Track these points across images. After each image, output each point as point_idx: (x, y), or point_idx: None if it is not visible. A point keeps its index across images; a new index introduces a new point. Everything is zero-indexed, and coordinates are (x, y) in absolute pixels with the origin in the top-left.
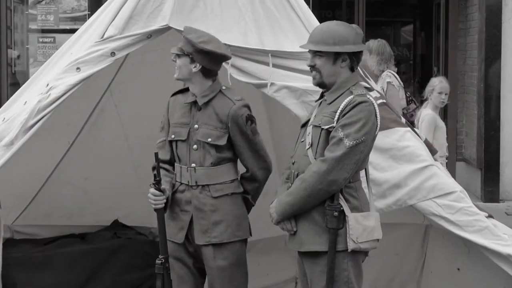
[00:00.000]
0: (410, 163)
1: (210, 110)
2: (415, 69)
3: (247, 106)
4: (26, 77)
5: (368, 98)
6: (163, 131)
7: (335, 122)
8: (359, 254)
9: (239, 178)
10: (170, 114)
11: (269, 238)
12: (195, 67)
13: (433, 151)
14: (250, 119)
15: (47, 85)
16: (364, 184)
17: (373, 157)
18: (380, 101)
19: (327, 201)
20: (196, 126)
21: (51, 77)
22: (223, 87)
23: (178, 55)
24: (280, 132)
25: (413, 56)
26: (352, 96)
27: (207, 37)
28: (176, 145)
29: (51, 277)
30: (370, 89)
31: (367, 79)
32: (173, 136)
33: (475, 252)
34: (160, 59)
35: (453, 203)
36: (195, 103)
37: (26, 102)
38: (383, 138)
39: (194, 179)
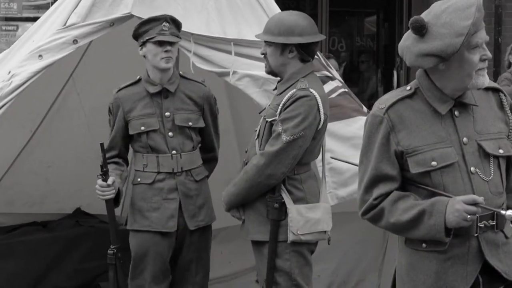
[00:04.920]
0: None
1: (181, 96)
2: (379, 60)
3: None
4: None
5: (311, 92)
6: (113, 129)
7: (277, 116)
8: (303, 244)
9: None
10: (126, 109)
11: (231, 227)
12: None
13: None
14: (215, 99)
15: (9, 72)
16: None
17: (335, 146)
18: (341, 90)
19: (269, 193)
20: (167, 113)
21: (13, 65)
22: (180, 72)
23: (174, 43)
24: (241, 121)
25: (377, 46)
26: (294, 90)
27: None
28: (147, 136)
29: (13, 265)
30: (331, 78)
31: (328, 67)
32: (142, 128)
33: None
34: (123, 47)
35: None
36: (159, 92)
37: None
38: (344, 127)
39: (179, 165)
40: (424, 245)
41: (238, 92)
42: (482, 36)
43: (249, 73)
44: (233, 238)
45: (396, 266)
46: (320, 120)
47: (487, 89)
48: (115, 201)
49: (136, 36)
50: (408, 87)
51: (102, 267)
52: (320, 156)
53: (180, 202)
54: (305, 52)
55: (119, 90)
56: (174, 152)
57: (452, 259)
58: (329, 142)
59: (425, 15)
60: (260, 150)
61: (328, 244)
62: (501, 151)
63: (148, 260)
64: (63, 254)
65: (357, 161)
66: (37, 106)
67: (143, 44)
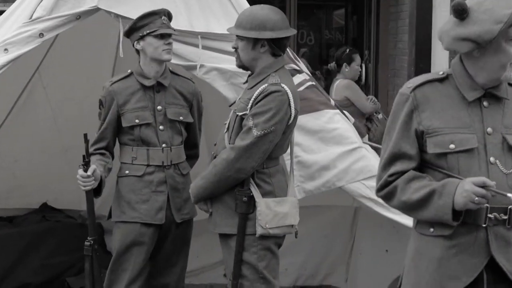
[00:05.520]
0: (339, 145)
1: (173, 91)
2: None
3: None
4: None
5: (282, 87)
6: (105, 121)
7: (248, 110)
8: (271, 238)
9: None
10: (121, 102)
11: (199, 221)
12: None
13: (361, 134)
14: (201, 96)
15: None
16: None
17: (302, 139)
18: (308, 83)
19: (238, 186)
20: (159, 107)
21: None
22: (170, 67)
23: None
24: (209, 114)
25: (345, 39)
26: (266, 85)
27: None
28: (140, 129)
29: None
30: (299, 71)
31: (296, 61)
32: (137, 120)
33: (403, 233)
34: (90, 41)
35: None
36: (152, 86)
37: None
38: (312, 120)
39: (169, 158)
40: (431, 229)
41: (205, 86)
42: None
43: (217, 67)
44: (200, 232)
45: (406, 254)
46: (290, 115)
47: None
48: (96, 191)
49: (133, 30)
50: (441, 72)
51: (69, 262)
52: (288, 150)
53: (168, 195)
54: (277, 46)
55: (112, 83)
56: (164, 145)
57: (457, 247)
58: (296, 135)
59: (469, 0)
60: (229, 143)
61: (296, 237)
62: None
63: (133, 251)
64: (29, 249)
65: (325, 154)
66: (3, 100)
67: (141, 38)
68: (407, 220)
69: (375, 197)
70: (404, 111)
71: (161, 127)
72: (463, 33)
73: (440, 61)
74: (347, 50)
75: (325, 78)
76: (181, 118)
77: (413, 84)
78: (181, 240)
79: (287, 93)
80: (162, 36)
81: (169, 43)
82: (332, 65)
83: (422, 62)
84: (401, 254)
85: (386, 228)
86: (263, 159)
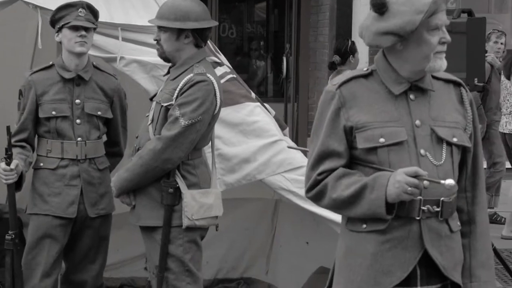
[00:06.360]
0: (259, 138)
1: (93, 85)
2: (268, 46)
3: None
4: None
5: (208, 77)
6: (24, 111)
7: (173, 100)
8: (196, 230)
9: None
10: (39, 92)
11: (119, 214)
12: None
13: (282, 126)
14: (125, 94)
15: None
16: (211, 160)
17: (222, 131)
18: (229, 76)
19: (164, 178)
20: (78, 101)
21: None
22: (93, 62)
23: (90, 29)
24: (129, 107)
25: (266, 33)
26: (191, 75)
27: None
28: (56, 121)
29: None
30: (220, 64)
31: (217, 53)
32: (53, 112)
33: (323, 226)
34: (8, 32)
35: (301, 177)
36: (72, 79)
37: None
38: (233, 113)
39: (84, 152)
40: (364, 225)
41: (124, 78)
42: (443, 18)
43: (137, 59)
44: (120, 225)
45: (336, 252)
46: (216, 105)
47: (449, 81)
48: (17, 185)
49: (53, 22)
50: (365, 68)
51: None
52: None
53: (82, 189)
54: (200, 37)
55: (32, 73)
56: (79, 139)
57: (391, 241)
58: (217, 128)
59: None
60: (154, 135)
61: (216, 230)
62: (455, 139)
63: (44, 245)
64: None
65: (245, 147)
66: None
67: (60, 30)
68: (327, 213)
69: (296, 190)
70: (330, 109)
71: (78, 120)
72: (384, 27)
73: (361, 54)
74: (349, 42)
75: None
76: (99, 113)
77: (339, 81)
78: (98, 235)
79: (212, 83)
80: (76, 28)
81: (82, 36)
82: (337, 58)
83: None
84: (321, 246)
85: (306, 220)
86: (190, 149)
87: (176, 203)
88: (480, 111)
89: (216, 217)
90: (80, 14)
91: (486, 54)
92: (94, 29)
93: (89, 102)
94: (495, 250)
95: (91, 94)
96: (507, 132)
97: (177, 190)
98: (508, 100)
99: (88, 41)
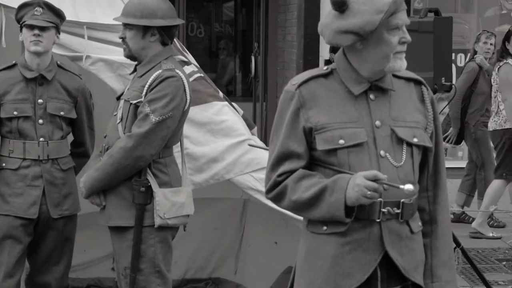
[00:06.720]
0: (227, 138)
1: (57, 85)
2: (236, 45)
3: None
4: None
5: (177, 73)
6: None
7: (143, 97)
8: (167, 230)
9: None
10: (1, 92)
11: (85, 214)
12: (57, 37)
13: (250, 126)
14: (90, 94)
15: None
16: (179, 160)
17: (190, 131)
18: (197, 75)
19: (135, 177)
20: (40, 101)
21: None
22: (57, 61)
23: (47, 28)
24: (96, 106)
25: (234, 32)
26: (160, 71)
27: None
28: (18, 122)
29: None
30: (187, 63)
31: (184, 52)
32: (15, 112)
33: (292, 225)
34: None
35: None
36: (35, 78)
37: None
38: (200, 112)
39: (46, 153)
40: (324, 227)
41: (91, 77)
42: (403, 18)
43: (103, 58)
44: (86, 225)
45: (297, 254)
46: (186, 101)
47: (410, 80)
48: None
49: (18, 21)
50: (325, 67)
51: None
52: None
53: (44, 190)
54: (167, 35)
55: None
56: (42, 139)
57: (351, 244)
58: (185, 127)
59: None
60: (125, 133)
61: (184, 230)
62: (415, 139)
63: (5, 245)
64: None
65: (213, 147)
66: None
67: (21, 29)
68: None
69: (264, 189)
70: (290, 109)
71: (40, 120)
72: (344, 25)
73: (328, 54)
74: None
75: None
76: (62, 113)
77: (298, 81)
78: (62, 237)
79: (182, 78)
80: (32, 27)
81: (36, 35)
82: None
83: (311, 55)
84: (290, 246)
85: (275, 220)
86: (161, 146)
87: (147, 202)
88: (456, 115)
89: (188, 215)
90: (36, 13)
91: (475, 56)
92: (57, 28)
93: (51, 102)
94: (462, 250)
95: (54, 94)
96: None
97: (149, 189)
98: None
99: (44, 40)
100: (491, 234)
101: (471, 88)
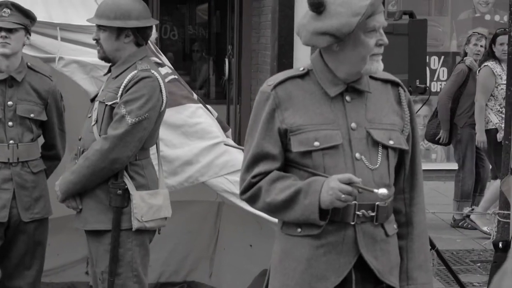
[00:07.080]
0: (201, 140)
1: (27, 86)
2: (210, 48)
3: None
4: None
5: (152, 73)
6: None
7: (118, 98)
8: (145, 233)
9: None
10: None
11: (59, 218)
12: (28, 39)
13: (225, 128)
14: (61, 95)
15: None
16: (155, 161)
17: (164, 133)
18: (171, 77)
19: (111, 179)
20: (10, 103)
21: None
22: (28, 62)
23: (16, 30)
24: (69, 108)
25: (208, 34)
26: (136, 71)
27: None
28: None
29: None
30: (161, 65)
31: (158, 54)
32: None
33: (267, 228)
34: None
35: None
36: (5, 80)
37: None
38: (174, 115)
39: (16, 155)
40: (299, 230)
41: (64, 79)
42: (380, 20)
43: (76, 59)
44: (60, 229)
45: (272, 256)
46: (162, 101)
47: (387, 81)
48: None
49: None
50: (302, 68)
51: None
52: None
53: (14, 193)
54: (141, 36)
55: None
56: (11, 142)
57: (325, 246)
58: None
59: None
60: (100, 135)
61: (159, 233)
62: (391, 142)
63: None
64: None
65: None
66: None
67: None
68: None
69: (238, 192)
70: (265, 110)
71: (10, 123)
72: (321, 27)
73: (303, 57)
74: None
75: None
76: (32, 115)
77: (274, 81)
78: (34, 240)
79: (157, 79)
80: None
81: (2, 37)
82: None
83: (285, 57)
84: (265, 249)
85: (249, 223)
86: (138, 148)
87: (125, 205)
88: (446, 117)
89: (166, 218)
90: (3, 14)
91: (464, 58)
92: (26, 29)
93: (21, 104)
94: (437, 251)
95: (24, 96)
96: None
97: (126, 191)
98: None
99: (12, 42)
100: (485, 229)
101: (460, 89)
